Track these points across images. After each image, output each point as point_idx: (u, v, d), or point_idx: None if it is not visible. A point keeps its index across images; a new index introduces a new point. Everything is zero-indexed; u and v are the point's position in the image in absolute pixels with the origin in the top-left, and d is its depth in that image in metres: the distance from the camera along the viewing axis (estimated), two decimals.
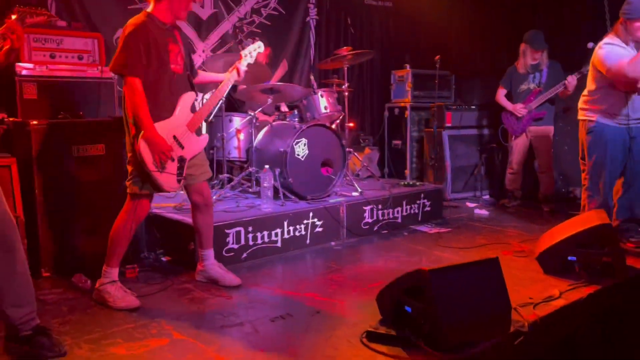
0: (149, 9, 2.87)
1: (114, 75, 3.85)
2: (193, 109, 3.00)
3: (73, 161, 3.34)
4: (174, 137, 2.87)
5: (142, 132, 2.74)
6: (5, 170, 3.12)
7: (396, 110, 6.43)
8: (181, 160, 2.90)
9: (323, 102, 4.62)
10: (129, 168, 2.88)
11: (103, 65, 3.85)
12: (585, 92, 3.88)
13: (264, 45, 5.09)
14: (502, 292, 2.41)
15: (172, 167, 2.85)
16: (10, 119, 3.50)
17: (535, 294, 2.86)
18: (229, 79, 3.10)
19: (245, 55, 3.17)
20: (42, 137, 3.25)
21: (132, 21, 2.79)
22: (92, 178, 3.41)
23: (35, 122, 3.23)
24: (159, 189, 2.86)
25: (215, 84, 3.22)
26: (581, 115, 3.86)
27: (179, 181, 2.91)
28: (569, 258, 3.20)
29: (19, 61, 3.49)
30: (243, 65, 3.13)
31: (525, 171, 5.46)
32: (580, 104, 3.90)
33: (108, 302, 2.82)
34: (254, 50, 3.20)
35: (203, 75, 3.29)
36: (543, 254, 3.28)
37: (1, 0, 3.66)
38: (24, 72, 3.50)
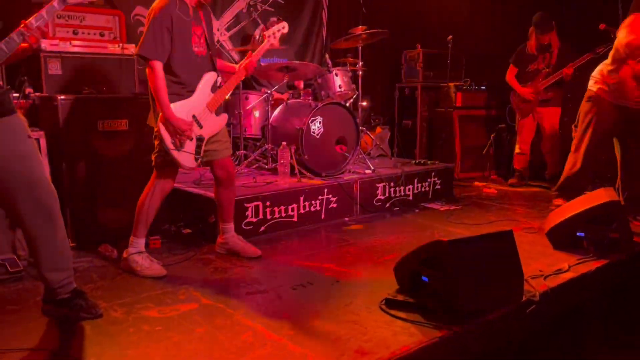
0: None
1: (134, 52, 3.93)
2: (214, 88, 3.02)
3: (98, 136, 3.43)
4: (194, 116, 2.92)
5: (161, 113, 2.81)
6: (35, 143, 3.21)
7: (407, 90, 6.48)
8: (199, 139, 2.95)
9: (338, 81, 4.68)
10: (156, 142, 2.95)
11: (124, 42, 3.93)
12: (604, 64, 3.89)
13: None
14: (516, 263, 2.53)
15: (190, 146, 2.91)
16: (36, 93, 3.59)
17: (545, 267, 2.97)
18: (241, 71, 3.09)
19: (269, 36, 3.18)
20: (69, 112, 3.33)
21: (157, 4, 2.80)
22: (116, 153, 3.50)
23: (62, 97, 3.31)
24: (178, 165, 2.94)
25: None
26: (589, 85, 3.93)
27: (196, 159, 2.96)
28: (578, 234, 3.28)
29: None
30: (260, 52, 3.13)
31: (533, 151, 5.55)
32: (594, 73, 3.93)
33: (136, 270, 2.94)
34: (278, 32, 3.21)
35: (219, 63, 3.20)
36: (552, 229, 3.38)
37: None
38: (48, 48, 3.58)
